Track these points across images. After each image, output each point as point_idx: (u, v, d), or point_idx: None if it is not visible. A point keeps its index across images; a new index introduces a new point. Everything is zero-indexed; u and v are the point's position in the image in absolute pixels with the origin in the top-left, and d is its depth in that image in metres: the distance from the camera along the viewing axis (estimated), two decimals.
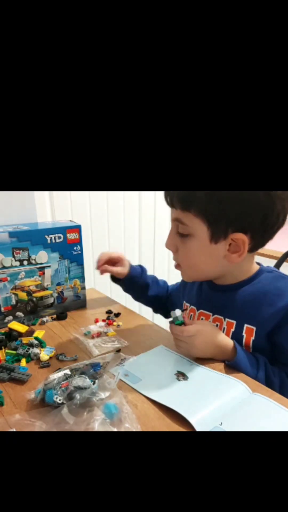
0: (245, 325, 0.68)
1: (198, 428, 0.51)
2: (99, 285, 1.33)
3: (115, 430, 0.51)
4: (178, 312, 0.68)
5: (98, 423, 0.50)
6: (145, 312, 1.36)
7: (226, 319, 0.71)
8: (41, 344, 0.74)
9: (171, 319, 0.69)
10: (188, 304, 0.81)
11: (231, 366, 0.65)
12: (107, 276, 0.93)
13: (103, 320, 0.86)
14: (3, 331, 0.78)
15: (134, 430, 0.51)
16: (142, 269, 0.95)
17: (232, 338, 0.68)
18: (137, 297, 0.98)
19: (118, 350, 0.72)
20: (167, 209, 0.72)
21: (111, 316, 0.88)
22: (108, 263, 0.90)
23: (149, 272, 0.97)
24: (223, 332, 0.69)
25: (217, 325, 0.71)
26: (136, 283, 0.93)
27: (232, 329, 0.69)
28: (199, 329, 0.66)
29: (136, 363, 0.68)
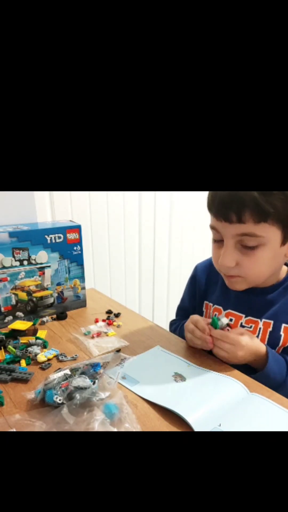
0: (283, 325, 0.68)
1: (196, 428, 0.51)
2: (99, 285, 1.33)
3: (115, 430, 0.51)
4: (225, 321, 0.67)
5: (98, 423, 0.50)
6: (145, 312, 1.36)
7: (263, 320, 0.70)
8: (44, 344, 0.74)
9: (209, 320, 0.68)
10: (212, 304, 0.79)
11: (260, 376, 0.64)
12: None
13: (103, 320, 0.86)
14: (3, 331, 0.78)
15: (134, 430, 0.51)
16: None
17: (269, 338, 0.68)
18: None
19: (118, 350, 0.72)
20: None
21: (111, 316, 0.88)
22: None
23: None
24: (259, 332, 0.69)
25: (251, 326, 0.71)
26: None
27: (270, 329, 0.69)
28: (246, 343, 0.63)
29: (133, 365, 0.68)
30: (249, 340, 0.64)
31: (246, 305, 0.72)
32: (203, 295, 0.83)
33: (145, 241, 1.48)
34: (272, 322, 0.69)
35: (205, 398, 0.57)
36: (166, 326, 0.87)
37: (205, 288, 0.82)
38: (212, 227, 0.65)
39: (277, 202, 0.58)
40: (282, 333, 0.68)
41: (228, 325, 0.69)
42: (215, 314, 0.75)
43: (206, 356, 0.71)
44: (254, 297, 0.72)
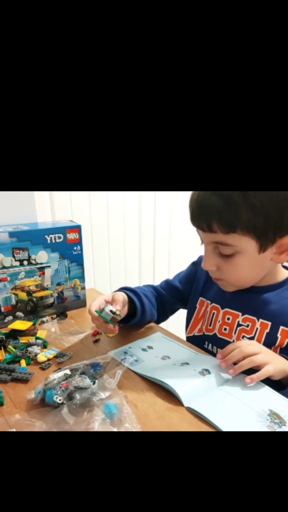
0: (281, 327, 0.68)
1: (185, 401, 0.56)
2: (99, 285, 1.33)
3: (115, 430, 0.51)
4: (108, 308, 0.68)
5: (98, 423, 0.50)
6: None
7: (260, 320, 0.70)
8: (44, 344, 0.74)
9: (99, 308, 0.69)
10: (209, 302, 0.78)
11: None
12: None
13: None
14: (3, 331, 0.78)
15: (134, 430, 0.51)
16: (139, 300, 0.78)
17: (265, 339, 0.68)
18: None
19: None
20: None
21: None
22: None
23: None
24: (255, 332, 0.69)
25: (248, 325, 0.71)
26: (137, 319, 0.78)
27: (267, 330, 0.69)
28: (248, 342, 0.64)
29: (135, 347, 0.73)
30: (253, 342, 0.65)
31: (243, 304, 0.72)
32: (200, 291, 0.82)
33: (145, 241, 1.48)
34: (270, 323, 0.69)
35: (195, 374, 0.61)
36: (166, 326, 0.87)
37: (203, 284, 0.82)
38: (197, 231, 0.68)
39: (243, 214, 0.58)
40: (279, 335, 0.68)
41: (113, 312, 0.69)
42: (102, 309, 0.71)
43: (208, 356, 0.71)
44: (251, 295, 0.72)
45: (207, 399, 0.56)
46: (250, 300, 0.72)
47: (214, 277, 0.70)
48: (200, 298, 0.82)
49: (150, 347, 0.73)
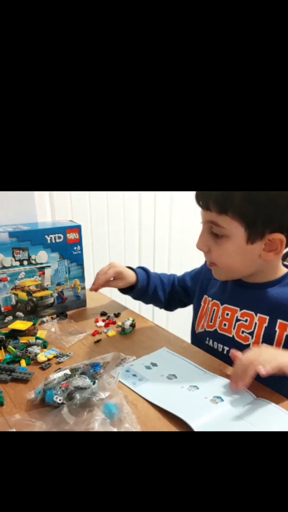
0: (279, 320, 0.69)
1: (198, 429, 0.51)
2: None
3: (115, 430, 0.51)
4: (127, 323, 0.78)
5: (98, 423, 0.50)
6: (145, 312, 1.36)
7: (258, 315, 0.71)
8: (44, 344, 0.74)
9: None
10: (210, 299, 0.81)
11: None
12: None
13: (103, 320, 0.86)
14: (3, 331, 0.78)
15: (134, 430, 0.51)
16: (148, 275, 0.93)
17: (264, 333, 0.69)
18: (147, 303, 0.98)
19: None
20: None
21: (111, 316, 0.88)
22: (106, 284, 0.89)
23: None
24: (254, 327, 0.70)
25: (246, 320, 0.72)
26: (145, 292, 0.92)
27: (265, 324, 0.70)
28: (256, 349, 0.63)
29: (138, 365, 0.68)
30: (257, 347, 0.66)
31: (241, 299, 0.74)
32: (205, 289, 0.85)
33: (145, 241, 1.48)
34: (268, 317, 0.69)
35: (209, 403, 0.56)
36: (166, 326, 0.87)
37: (208, 282, 0.84)
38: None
39: (235, 198, 0.61)
40: (277, 328, 0.68)
41: (131, 325, 0.81)
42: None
43: (208, 357, 0.71)
44: (249, 291, 0.73)
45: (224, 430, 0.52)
46: (248, 295, 0.73)
47: (207, 260, 0.73)
48: (204, 295, 0.84)
49: (154, 364, 0.68)
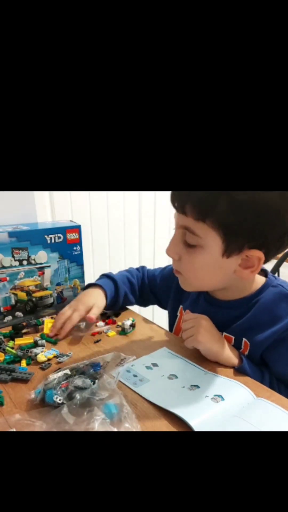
0: (244, 339, 0.68)
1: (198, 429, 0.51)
2: None
3: (115, 430, 0.51)
4: (127, 322, 0.78)
5: (98, 423, 0.50)
6: (145, 312, 1.36)
7: (224, 333, 0.70)
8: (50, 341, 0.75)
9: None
10: (183, 309, 0.80)
11: (239, 370, 0.65)
12: None
13: (103, 320, 0.86)
14: (3, 331, 0.78)
15: (134, 430, 0.51)
16: (115, 284, 0.84)
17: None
18: (118, 308, 0.90)
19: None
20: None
21: (111, 315, 0.88)
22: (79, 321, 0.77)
23: None
24: None
25: None
26: (116, 302, 0.85)
27: (232, 343, 0.69)
28: (204, 316, 0.68)
29: (139, 365, 0.68)
30: (210, 324, 0.67)
31: (213, 319, 0.69)
32: (180, 297, 0.82)
33: (145, 241, 1.48)
34: (233, 337, 0.69)
35: (209, 402, 0.57)
36: (166, 326, 0.87)
37: (183, 291, 0.76)
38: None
39: (220, 204, 0.54)
40: (242, 346, 0.68)
41: (131, 325, 0.81)
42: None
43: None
44: (219, 310, 0.70)
45: (223, 429, 0.52)
46: (218, 315, 0.69)
47: (174, 268, 0.66)
48: (180, 305, 0.82)
49: (155, 365, 0.68)
